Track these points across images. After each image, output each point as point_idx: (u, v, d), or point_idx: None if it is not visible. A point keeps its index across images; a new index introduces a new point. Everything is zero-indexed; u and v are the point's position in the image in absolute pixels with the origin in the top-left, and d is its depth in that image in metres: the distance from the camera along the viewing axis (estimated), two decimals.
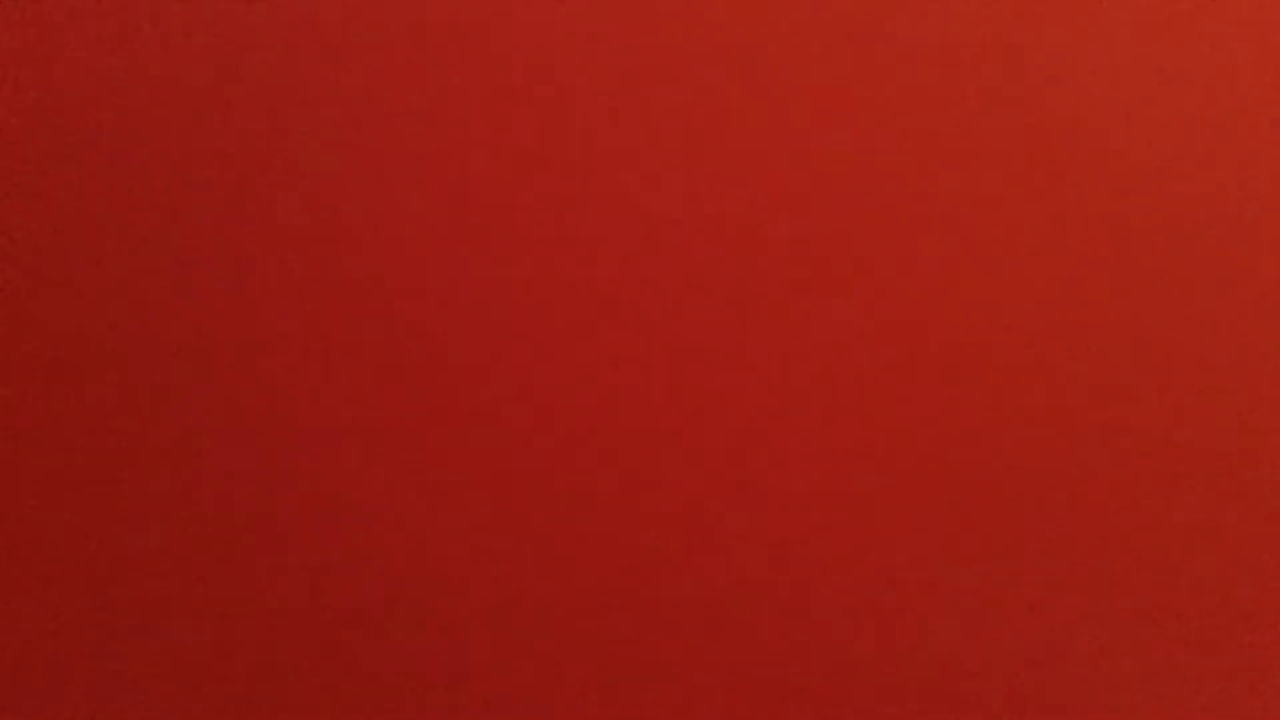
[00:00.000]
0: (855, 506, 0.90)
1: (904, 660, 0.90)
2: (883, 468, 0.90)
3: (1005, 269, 0.89)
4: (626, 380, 0.91)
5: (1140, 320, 0.89)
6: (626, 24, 0.91)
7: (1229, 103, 0.89)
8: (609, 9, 0.91)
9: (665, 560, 0.91)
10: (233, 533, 0.93)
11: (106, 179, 0.93)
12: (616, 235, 0.91)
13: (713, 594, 0.91)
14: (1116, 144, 0.89)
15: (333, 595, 0.92)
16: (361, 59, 0.92)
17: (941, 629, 0.90)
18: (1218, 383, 0.89)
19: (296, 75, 0.92)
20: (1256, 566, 0.88)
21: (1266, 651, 0.88)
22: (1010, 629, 0.89)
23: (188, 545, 0.93)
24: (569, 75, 0.91)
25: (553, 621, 0.91)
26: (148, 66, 0.93)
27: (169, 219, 0.93)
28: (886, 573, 0.90)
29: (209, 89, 0.93)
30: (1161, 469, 0.89)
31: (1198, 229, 0.89)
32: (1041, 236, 0.89)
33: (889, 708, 0.90)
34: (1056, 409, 0.89)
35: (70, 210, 0.93)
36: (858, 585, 0.90)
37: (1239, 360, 0.88)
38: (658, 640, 0.91)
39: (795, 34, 0.90)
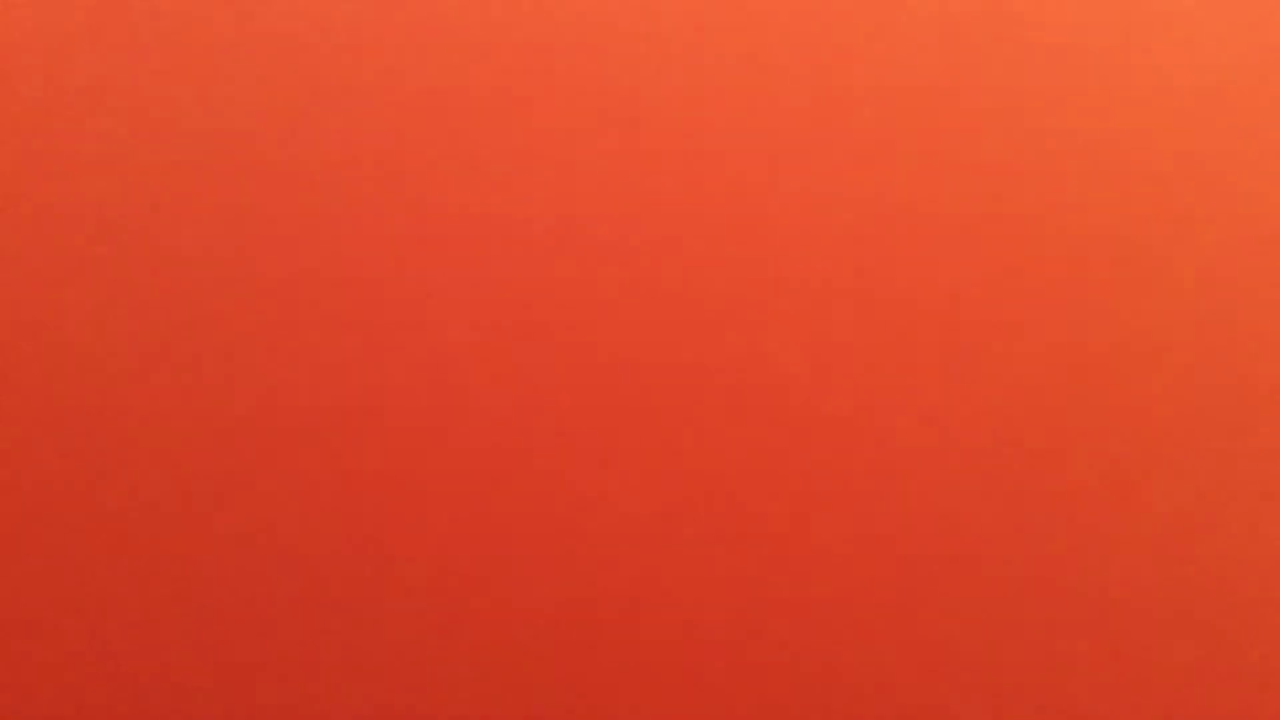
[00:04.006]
0: (854, 508, 0.90)
1: (904, 662, 0.90)
2: (882, 469, 0.90)
3: (1005, 270, 0.89)
4: (626, 381, 0.91)
5: (1140, 322, 0.89)
6: (627, 25, 0.91)
7: (1229, 103, 0.89)
8: (609, 12, 0.91)
9: (665, 561, 0.91)
10: (231, 533, 0.93)
11: (104, 178, 0.93)
12: (615, 234, 0.91)
13: (711, 595, 0.91)
14: (1116, 146, 0.89)
15: (331, 596, 0.92)
16: (361, 59, 0.92)
17: (942, 631, 0.90)
18: (1218, 383, 0.89)
19: (296, 75, 0.92)
20: (1257, 566, 0.88)
21: (1267, 651, 0.88)
22: (1009, 632, 0.89)
23: (186, 545, 0.93)
24: (568, 76, 0.91)
25: (550, 623, 0.92)
26: (147, 65, 0.93)
27: (167, 219, 0.93)
28: (887, 574, 0.90)
29: (208, 89, 0.93)
30: (1161, 470, 0.89)
31: (1198, 231, 0.89)
32: (1041, 237, 0.89)
33: (889, 709, 0.90)
34: (1056, 412, 0.89)
35: (69, 209, 0.93)
36: (858, 587, 0.90)
37: (1239, 361, 0.88)
38: (657, 641, 0.91)
39: (794, 35, 0.90)
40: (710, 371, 0.91)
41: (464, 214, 0.92)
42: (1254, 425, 0.88)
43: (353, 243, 0.92)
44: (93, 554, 0.93)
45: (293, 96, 0.93)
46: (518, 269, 0.92)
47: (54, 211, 0.94)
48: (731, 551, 0.91)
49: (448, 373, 0.92)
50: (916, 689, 0.90)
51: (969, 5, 0.90)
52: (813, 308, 0.90)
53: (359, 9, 0.92)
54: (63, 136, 0.94)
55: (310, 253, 0.92)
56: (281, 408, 0.93)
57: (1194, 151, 0.89)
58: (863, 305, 0.90)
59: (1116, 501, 0.89)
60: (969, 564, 0.90)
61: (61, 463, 0.93)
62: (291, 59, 0.93)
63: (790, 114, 0.90)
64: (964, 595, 0.90)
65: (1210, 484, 0.89)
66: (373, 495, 0.92)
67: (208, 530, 0.93)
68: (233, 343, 0.93)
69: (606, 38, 0.91)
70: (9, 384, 0.93)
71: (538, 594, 0.92)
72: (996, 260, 0.89)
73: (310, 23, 0.93)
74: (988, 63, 0.90)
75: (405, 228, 0.92)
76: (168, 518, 0.93)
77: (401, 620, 0.92)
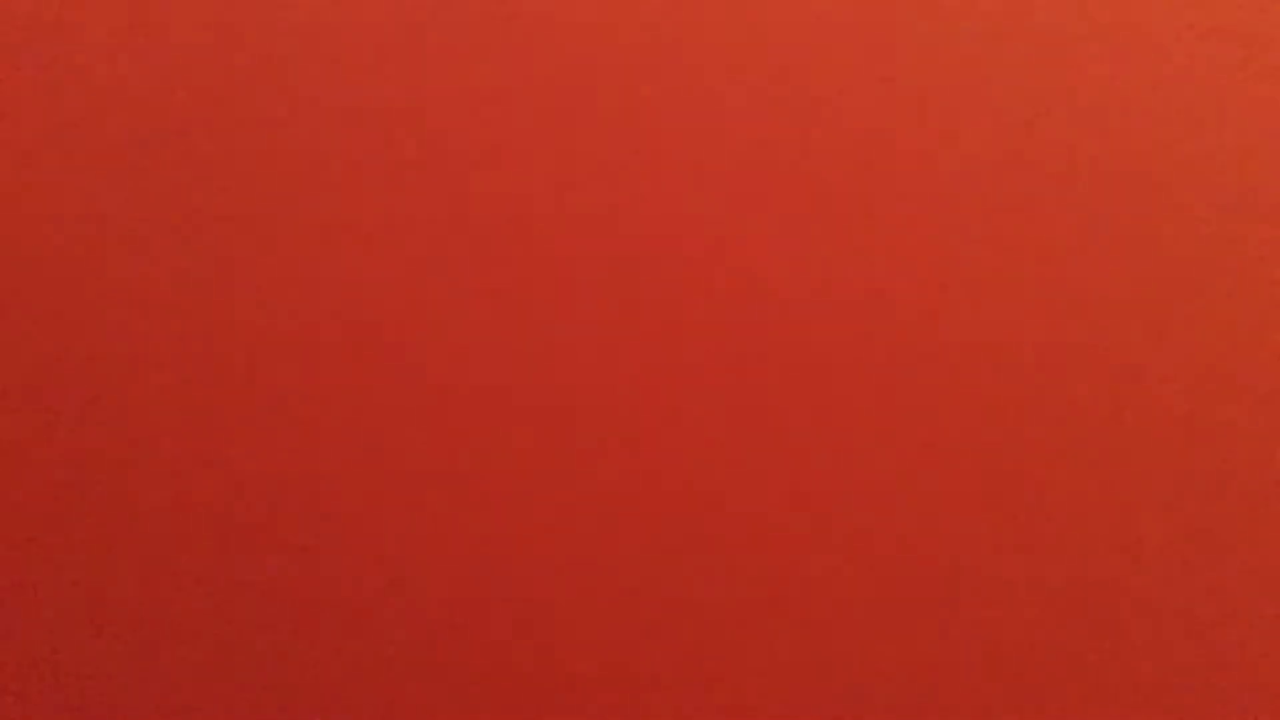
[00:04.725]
0: (854, 508, 0.90)
1: (902, 662, 0.90)
2: (881, 470, 0.90)
3: (1003, 271, 0.89)
4: (625, 381, 0.91)
5: (1139, 322, 0.89)
6: (626, 26, 0.91)
7: (1229, 103, 0.89)
8: (607, 14, 0.91)
9: (666, 562, 0.91)
10: (231, 534, 0.93)
11: (105, 179, 0.94)
12: (614, 234, 0.91)
13: (709, 596, 0.91)
14: (1116, 145, 0.89)
15: (330, 598, 0.92)
16: (361, 60, 0.92)
17: (940, 632, 0.90)
18: (1218, 383, 0.89)
19: (296, 76, 0.93)
20: (1257, 567, 0.88)
21: (1267, 652, 0.88)
22: (1008, 634, 0.89)
23: (186, 547, 0.93)
24: (567, 77, 0.92)
25: (548, 623, 0.92)
26: (147, 66, 0.93)
27: (167, 219, 0.93)
28: (886, 575, 0.90)
29: (208, 89, 0.93)
30: (1162, 471, 0.89)
31: (1198, 230, 0.89)
32: (1040, 236, 0.89)
33: (887, 709, 0.90)
34: (1056, 415, 0.89)
35: (69, 210, 0.94)
36: (858, 588, 0.90)
37: (1239, 361, 0.88)
38: (656, 643, 0.91)
39: (794, 36, 0.90)
40: (709, 370, 0.91)
41: (464, 214, 0.92)
42: (1254, 425, 0.88)
43: (352, 243, 0.93)
44: (92, 554, 0.94)
45: (292, 96, 0.93)
46: (517, 268, 0.92)
47: (54, 211, 0.94)
48: (732, 551, 0.91)
49: (448, 373, 0.92)
50: (915, 689, 0.90)
51: (968, 5, 0.90)
52: (811, 307, 0.90)
53: (359, 9, 0.93)
54: (63, 136, 0.94)
55: (309, 253, 0.93)
56: (282, 408, 0.93)
57: (1193, 151, 0.89)
58: (860, 304, 0.90)
59: (1114, 501, 0.89)
60: (968, 564, 0.90)
61: (62, 462, 0.94)
62: (291, 58, 0.93)
63: (787, 113, 0.91)
64: (963, 595, 0.90)
65: (1210, 484, 0.89)
66: (372, 496, 0.92)
67: (206, 530, 0.93)
68: (234, 343, 0.93)
69: (605, 38, 0.91)
70: (9, 384, 0.94)
71: (538, 594, 0.92)
72: (994, 259, 0.90)
73: (310, 23, 0.93)
74: (985, 63, 0.90)
75: (404, 228, 0.92)
76: (167, 517, 0.93)
77: (400, 622, 0.92)
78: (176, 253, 0.93)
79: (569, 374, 0.91)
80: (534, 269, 0.92)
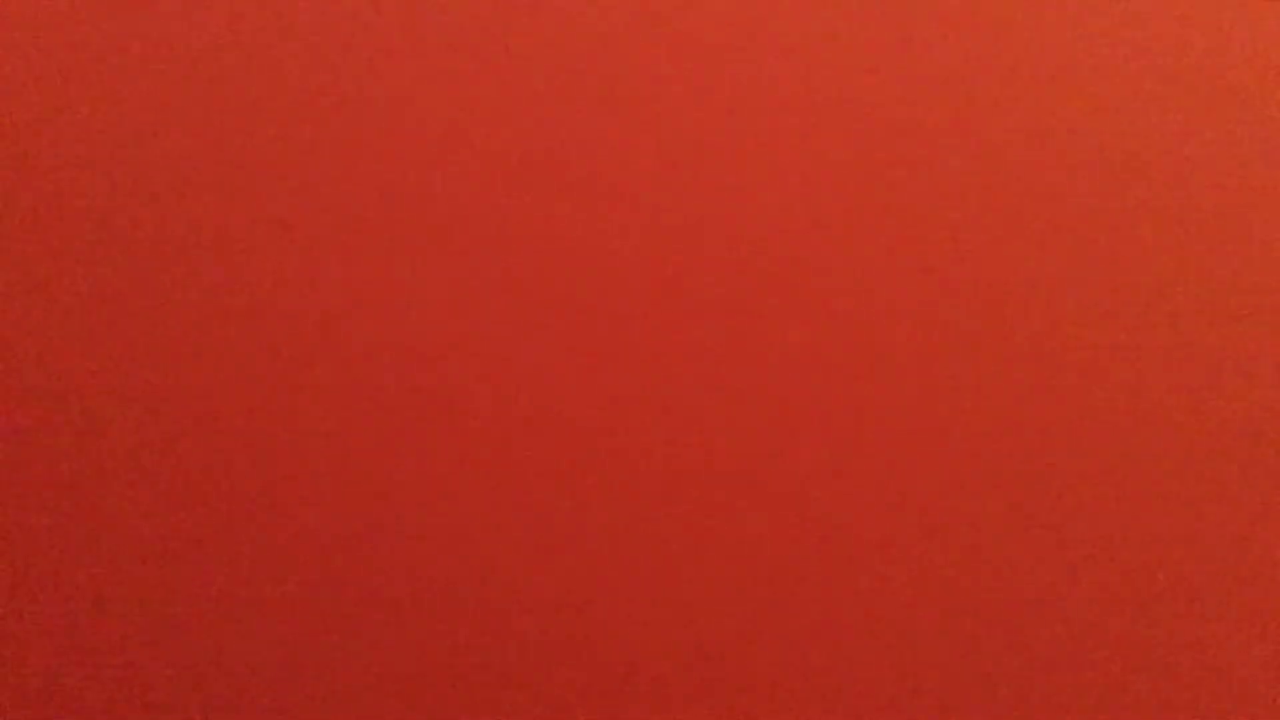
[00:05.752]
0: (852, 508, 0.90)
1: (901, 661, 0.90)
2: (880, 469, 0.90)
3: (1002, 270, 0.89)
4: (624, 382, 0.91)
5: (1137, 321, 0.89)
6: (625, 25, 0.91)
7: (1229, 103, 0.89)
8: (606, 13, 0.91)
9: (664, 562, 0.91)
10: (231, 535, 0.93)
11: (104, 179, 0.93)
12: (612, 236, 0.91)
13: (708, 596, 0.91)
14: (1114, 144, 0.89)
15: (330, 598, 0.92)
16: (361, 59, 0.92)
17: (938, 631, 0.90)
18: (1217, 383, 0.88)
19: (295, 75, 0.93)
20: (1256, 567, 0.88)
21: (1266, 652, 0.88)
22: (1007, 632, 0.89)
23: (186, 547, 0.93)
24: (566, 76, 0.91)
25: (548, 624, 0.92)
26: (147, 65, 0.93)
27: (166, 220, 0.93)
28: (884, 575, 0.90)
29: (208, 89, 0.93)
30: (1162, 471, 0.89)
31: (1196, 229, 0.89)
32: (1039, 236, 0.89)
33: (885, 709, 0.90)
34: (1054, 412, 0.89)
35: (70, 210, 0.94)
36: (856, 587, 0.90)
37: (1239, 361, 0.88)
38: (655, 644, 0.91)
39: (793, 35, 0.90)
40: (709, 370, 0.91)
41: (461, 214, 0.92)
42: (1254, 425, 0.88)
43: (350, 243, 0.92)
44: (93, 554, 0.93)
45: (292, 96, 0.93)
46: (514, 269, 0.92)
47: (53, 211, 0.94)
48: (731, 553, 0.91)
49: (446, 374, 0.92)
50: (914, 689, 0.90)
51: (968, 5, 0.90)
52: (810, 308, 0.90)
53: (358, 9, 0.93)
54: (62, 136, 0.94)
55: (309, 253, 0.93)
56: (280, 408, 0.93)
57: (1193, 150, 0.89)
58: (859, 305, 0.90)
59: (1115, 501, 0.89)
60: (967, 563, 0.90)
61: (62, 463, 0.94)
62: (291, 58, 0.93)
63: (787, 113, 0.91)
64: (963, 595, 0.90)
65: (1209, 484, 0.89)
66: (371, 498, 0.92)
67: (206, 531, 0.93)
68: (233, 343, 0.93)
69: (606, 37, 0.91)
70: (10, 384, 0.94)
71: (537, 594, 0.92)
72: (995, 259, 0.89)
73: (310, 23, 0.93)
74: (986, 62, 0.90)
75: (405, 228, 0.92)
76: (167, 517, 0.93)
77: (396, 623, 0.92)
78: (175, 252, 0.93)
79: (567, 375, 0.91)
80: (531, 269, 0.91)
